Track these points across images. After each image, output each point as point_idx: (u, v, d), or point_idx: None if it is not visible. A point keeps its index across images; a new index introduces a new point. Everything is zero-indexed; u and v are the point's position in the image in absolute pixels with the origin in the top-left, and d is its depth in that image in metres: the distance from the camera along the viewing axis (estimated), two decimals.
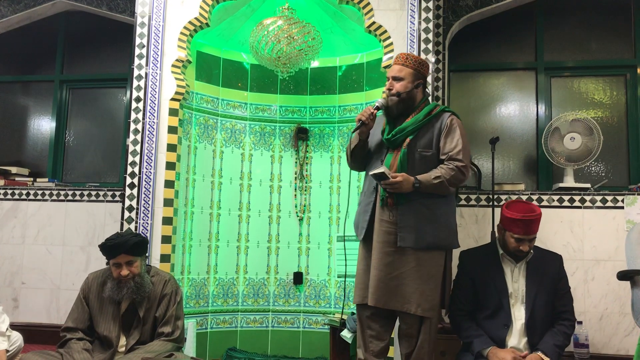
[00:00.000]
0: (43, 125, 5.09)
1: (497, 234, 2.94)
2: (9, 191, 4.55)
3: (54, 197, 4.49)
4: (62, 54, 5.08)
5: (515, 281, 2.83)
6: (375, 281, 2.68)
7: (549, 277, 2.83)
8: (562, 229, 3.87)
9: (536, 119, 4.42)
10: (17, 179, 4.72)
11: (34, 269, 4.45)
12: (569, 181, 3.98)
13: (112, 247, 2.82)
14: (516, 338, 2.76)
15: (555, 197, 3.91)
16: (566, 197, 3.90)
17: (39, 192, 4.52)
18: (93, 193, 4.45)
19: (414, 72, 2.81)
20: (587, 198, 3.88)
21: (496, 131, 4.42)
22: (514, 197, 3.92)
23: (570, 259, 3.83)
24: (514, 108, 4.51)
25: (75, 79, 5.06)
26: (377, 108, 2.80)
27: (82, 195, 4.46)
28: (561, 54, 4.48)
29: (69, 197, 4.48)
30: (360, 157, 2.90)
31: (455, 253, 2.94)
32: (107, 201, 4.41)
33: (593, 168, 4.26)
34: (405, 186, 2.62)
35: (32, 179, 4.72)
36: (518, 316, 2.78)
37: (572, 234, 3.86)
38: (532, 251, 2.83)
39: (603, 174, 4.26)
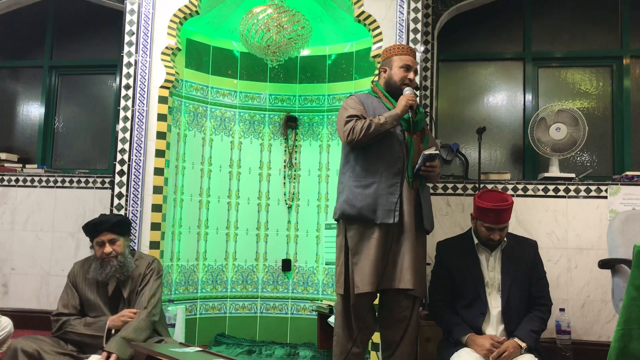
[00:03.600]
0: (32, 111, 5.07)
1: (471, 223, 3.00)
2: None
3: (44, 184, 4.50)
4: (52, 40, 5.06)
5: (491, 270, 2.88)
6: (411, 264, 2.69)
7: (524, 264, 2.87)
8: (546, 218, 3.94)
9: (523, 108, 4.47)
10: (6, 165, 4.72)
11: (24, 254, 4.47)
12: (554, 171, 4.04)
13: (95, 225, 2.90)
14: (493, 326, 2.81)
15: (540, 187, 3.97)
16: (551, 187, 3.96)
17: (28, 178, 4.53)
18: (82, 180, 4.46)
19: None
20: (572, 188, 3.94)
21: (484, 121, 4.47)
22: (500, 187, 3.98)
23: (555, 247, 3.90)
24: (502, 98, 4.56)
25: (65, 65, 5.05)
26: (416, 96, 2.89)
27: (71, 182, 4.48)
28: (549, 45, 4.52)
29: (59, 184, 4.49)
30: (377, 138, 2.78)
31: (432, 242, 3.02)
32: (97, 188, 4.43)
33: (579, 158, 4.33)
34: (438, 171, 2.84)
35: (21, 165, 4.72)
36: (494, 304, 2.83)
37: (556, 223, 3.93)
38: (505, 239, 2.87)
39: (588, 164, 4.32)
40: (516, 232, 2.95)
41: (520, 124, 4.45)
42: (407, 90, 2.80)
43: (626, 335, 2.36)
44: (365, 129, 2.68)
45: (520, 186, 4.00)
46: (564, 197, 3.94)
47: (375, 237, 2.72)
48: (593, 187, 3.91)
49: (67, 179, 4.49)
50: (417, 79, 3.41)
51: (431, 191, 4.01)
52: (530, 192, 3.98)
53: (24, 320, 4.22)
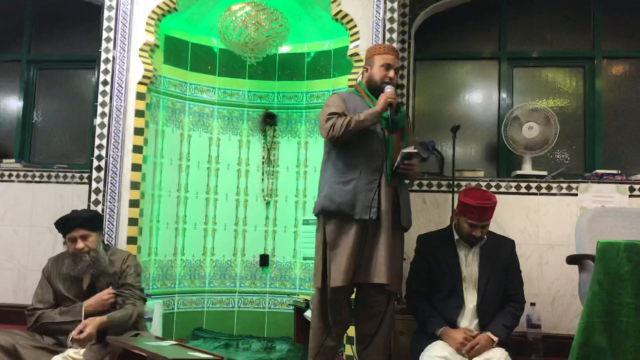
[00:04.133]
0: (10, 105, 5.05)
1: (453, 219, 3.07)
2: None
3: (21, 179, 4.50)
4: (30, 33, 5.03)
5: (469, 265, 2.95)
6: (386, 259, 2.74)
7: (501, 261, 2.96)
8: (519, 215, 4.03)
9: (498, 107, 4.55)
10: None
11: (1, 249, 4.46)
12: (526, 169, 4.13)
13: (66, 221, 2.92)
14: (468, 319, 2.89)
15: (513, 184, 4.06)
16: (523, 184, 4.05)
17: (6, 173, 4.52)
18: (61, 175, 4.47)
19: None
20: (543, 185, 4.04)
21: (460, 118, 4.55)
22: (473, 184, 4.06)
23: (526, 243, 3.99)
24: (477, 96, 4.64)
25: (43, 59, 5.03)
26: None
27: (49, 176, 4.48)
28: (524, 45, 4.60)
29: (37, 179, 4.49)
30: (358, 136, 2.84)
31: (408, 236, 3.08)
32: (75, 183, 4.43)
33: (551, 156, 4.42)
34: (416, 170, 2.92)
35: None
36: (470, 299, 2.91)
37: (528, 220, 4.02)
38: (485, 237, 2.95)
39: (564, 162, 4.41)
40: (490, 229, 3.03)
41: (496, 122, 4.53)
42: (388, 88, 2.85)
43: (589, 329, 2.44)
44: (345, 126, 2.74)
45: (493, 183, 4.09)
46: (535, 194, 4.04)
47: (353, 232, 2.77)
48: (564, 185, 4.01)
49: (45, 174, 4.48)
50: None
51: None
52: (503, 190, 4.07)
53: (1, 315, 4.22)
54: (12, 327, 2.92)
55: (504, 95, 4.53)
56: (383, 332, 2.89)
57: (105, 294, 2.88)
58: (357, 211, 2.77)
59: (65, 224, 2.92)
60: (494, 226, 3.93)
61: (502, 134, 4.21)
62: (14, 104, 5.03)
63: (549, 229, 3.99)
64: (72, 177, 4.45)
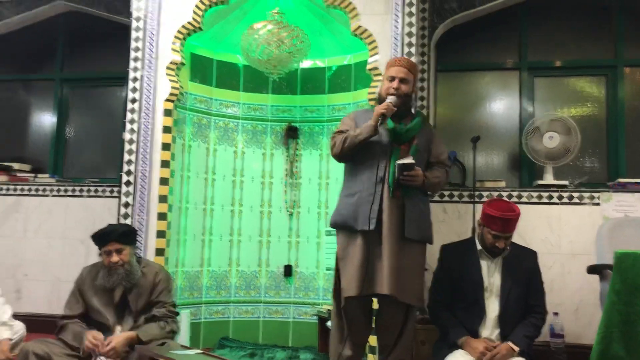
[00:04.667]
0: (44, 122, 5.26)
1: (477, 230, 3.11)
2: (11, 187, 4.73)
3: (55, 193, 4.67)
4: (62, 54, 5.24)
5: (491, 276, 2.99)
6: (390, 270, 2.75)
7: (524, 272, 2.99)
8: (540, 225, 4.04)
9: (519, 117, 4.57)
10: (19, 174, 4.90)
11: (36, 261, 4.63)
12: (548, 178, 4.14)
13: (102, 235, 3.02)
14: (489, 329, 2.92)
15: (535, 194, 4.08)
16: (545, 194, 4.07)
17: (40, 187, 4.70)
18: (92, 189, 4.63)
19: (415, 77, 3.05)
20: (565, 195, 4.04)
21: (481, 129, 4.57)
22: (495, 194, 4.09)
23: (548, 253, 4.00)
24: (499, 107, 4.67)
25: (75, 78, 5.23)
26: (395, 105, 2.90)
27: (81, 190, 4.65)
28: (545, 54, 4.62)
29: (69, 193, 4.66)
30: (357, 150, 2.91)
31: (429, 247, 3.11)
32: (106, 197, 4.59)
33: (573, 165, 4.41)
34: (419, 180, 2.86)
35: (33, 175, 4.89)
36: (492, 309, 2.94)
37: (550, 230, 4.03)
38: (508, 247, 2.99)
39: (585, 171, 4.40)
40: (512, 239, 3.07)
41: (517, 132, 4.54)
42: (388, 99, 2.90)
43: (607, 338, 2.47)
44: (342, 143, 2.89)
45: (515, 193, 4.11)
46: (557, 204, 4.05)
47: (358, 243, 2.84)
48: (586, 195, 4.01)
49: (77, 188, 4.66)
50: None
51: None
52: (524, 199, 4.08)
53: (36, 324, 4.35)
54: (48, 336, 3.04)
55: (525, 105, 4.55)
56: (403, 343, 2.92)
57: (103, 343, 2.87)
58: (360, 223, 2.84)
59: (101, 238, 3.02)
60: (515, 237, 3.95)
61: (523, 144, 4.23)
62: (48, 121, 5.23)
63: (571, 239, 3.99)
64: (103, 191, 4.61)
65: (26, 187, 4.72)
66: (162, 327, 2.96)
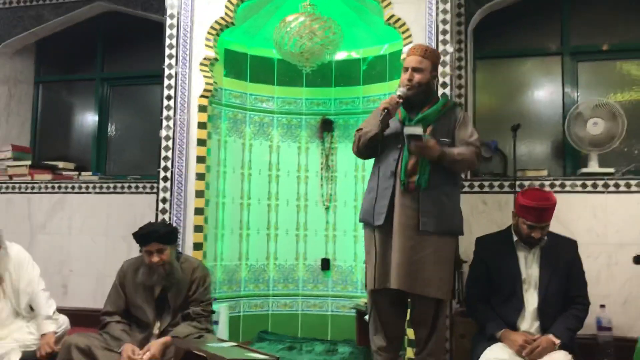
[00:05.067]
0: (87, 121, 5.39)
1: (512, 220, 3.02)
2: (56, 185, 4.86)
3: (97, 190, 4.78)
4: (102, 53, 5.36)
5: (529, 267, 2.90)
6: (399, 265, 2.73)
7: (563, 262, 2.89)
8: (585, 214, 3.90)
9: (562, 104, 4.42)
10: (63, 173, 5.03)
11: (81, 257, 4.75)
12: (592, 166, 4.00)
13: (143, 236, 3.05)
14: (528, 322, 2.84)
15: (579, 182, 3.94)
16: (589, 182, 3.92)
17: (83, 185, 4.81)
18: (133, 185, 4.72)
19: (432, 63, 2.92)
20: (611, 183, 3.89)
21: (523, 117, 4.44)
22: (536, 183, 3.97)
23: (594, 243, 3.86)
24: (541, 93, 4.53)
25: (115, 77, 5.34)
26: (400, 97, 2.84)
27: (122, 187, 4.74)
28: (588, 38, 4.45)
29: (111, 190, 4.76)
30: (372, 146, 2.91)
31: (469, 239, 3.04)
32: (146, 193, 4.66)
33: (621, 152, 4.24)
34: (434, 152, 2.73)
35: (77, 173, 5.02)
36: (531, 301, 2.86)
37: (595, 219, 3.89)
38: (546, 237, 2.89)
39: (632, 158, 4.23)
40: (554, 229, 2.95)
41: (560, 120, 4.40)
42: (397, 91, 2.86)
43: None
44: (357, 141, 2.94)
45: (557, 182, 3.98)
46: (602, 192, 3.90)
47: (376, 238, 2.85)
48: (633, 182, 3.85)
49: (119, 185, 4.75)
50: (447, 79, 3.50)
51: (466, 189, 4.05)
52: (568, 188, 3.95)
53: (82, 318, 4.48)
54: (91, 330, 3.12)
55: (568, 91, 4.41)
56: (436, 337, 2.86)
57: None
58: (375, 218, 2.84)
59: (142, 238, 3.05)
60: (559, 227, 3.83)
61: (566, 131, 4.09)
62: (90, 120, 5.36)
63: (618, 228, 3.84)
64: (144, 187, 4.69)
65: (70, 185, 4.84)
66: (195, 327, 2.99)
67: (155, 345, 2.90)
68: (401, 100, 2.85)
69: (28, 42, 5.29)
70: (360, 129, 2.95)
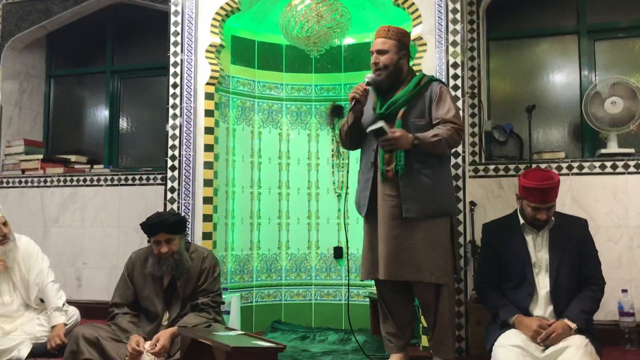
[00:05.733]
0: (98, 114, 5.38)
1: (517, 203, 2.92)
2: (68, 178, 4.85)
3: (109, 182, 4.76)
4: (112, 46, 5.34)
5: (538, 250, 2.81)
6: (386, 255, 2.70)
7: (573, 243, 2.78)
8: (604, 197, 3.78)
9: (580, 85, 4.29)
10: (76, 166, 5.03)
11: (94, 250, 4.75)
12: (612, 147, 3.87)
13: (151, 226, 3.00)
14: (541, 307, 2.75)
15: (597, 164, 3.81)
16: (608, 163, 3.79)
17: (95, 177, 4.80)
18: (144, 177, 4.69)
19: (397, 43, 2.84)
20: (631, 163, 3.76)
21: (538, 99, 4.31)
22: (553, 166, 3.85)
23: (615, 226, 3.74)
24: (557, 74, 4.40)
25: (125, 69, 5.32)
26: (368, 84, 2.80)
27: (134, 179, 4.71)
28: (605, 16, 4.31)
29: (122, 182, 4.74)
30: (355, 137, 2.91)
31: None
32: (157, 184, 4.63)
33: None
34: (404, 142, 2.65)
35: (89, 166, 5.01)
36: (542, 285, 2.76)
37: (615, 201, 3.76)
38: (553, 219, 2.79)
39: None
40: (573, 212, 2.87)
41: (578, 101, 4.27)
42: (366, 78, 2.84)
43: None
44: (340, 135, 3.00)
45: (575, 164, 3.85)
46: (622, 173, 3.77)
47: (366, 229, 2.89)
48: None
49: (130, 177, 4.72)
50: (455, 60, 3.42)
51: (481, 173, 3.95)
52: (586, 170, 3.83)
53: (95, 311, 4.48)
54: (104, 322, 3.11)
55: (585, 71, 4.27)
56: (440, 323, 2.81)
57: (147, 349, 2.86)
58: (360, 210, 2.90)
59: (151, 229, 3.01)
60: (577, 209, 3.74)
61: (583, 112, 3.96)
62: (101, 113, 5.35)
63: None
64: (154, 178, 4.66)
65: (82, 178, 4.83)
66: (203, 317, 2.94)
67: (164, 335, 2.86)
68: (369, 87, 2.80)
69: (38, 36, 5.29)
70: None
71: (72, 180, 4.86)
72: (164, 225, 2.98)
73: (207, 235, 3.69)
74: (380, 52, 2.82)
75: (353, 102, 2.77)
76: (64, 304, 3.37)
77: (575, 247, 2.77)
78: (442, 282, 2.75)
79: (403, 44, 2.88)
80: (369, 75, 2.84)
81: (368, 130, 2.68)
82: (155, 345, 2.79)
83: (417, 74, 2.97)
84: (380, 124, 2.64)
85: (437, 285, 2.75)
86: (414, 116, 2.79)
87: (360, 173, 2.92)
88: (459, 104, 3.44)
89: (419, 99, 2.82)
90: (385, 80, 2.82)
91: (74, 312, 3.44)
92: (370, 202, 2.80)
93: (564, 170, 3.83)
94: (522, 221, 2.83)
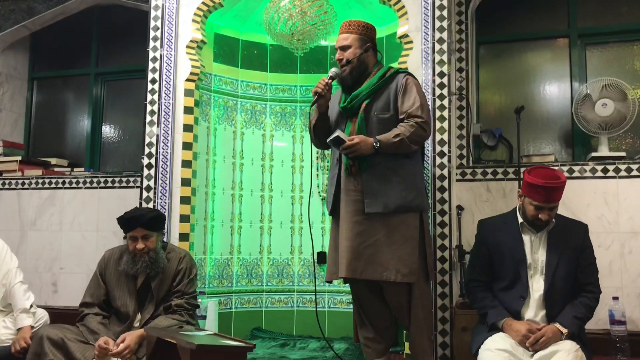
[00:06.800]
0: (81, 117, 5.26)
1: (517, 201, 2.81)
2: (47, 180, 4.72)
3: (88, 185, 4.63)
4: (97, 48, 5.24)
5: (535, 252, 2.70)
6: (348, 252, 2.58)
7: (572, 247, 2.68)
8: (595, 201, 3.67)
9: (571, 89, 4.20)
10: (56, 169, 4.90)
11: (71, 254, 4.59)
12: (603, 150, 3.77)
13: (129, 220, 2.90)
14: (533, 310, 2.64)
15: (588, 168, 3.71)
16: (599, 167, 3.69)
17: (74, 180, 4.67)
18: (124, 179, 4.56)
19: (359, 37, 2.80)
20: (622, 167, 3.65)
21: (529, 103, 4.22)
22: None
23: (605, 231, 3.62)
24: (548, 79, 4.31)
25: (109, 72, 5.21)
26: (331, 77, 2.75)
27: (113, 182, 4.58)
28: (595, 20, 4.24)
29: (102, 184, 4.60)
30: (323, 133, 2.80)
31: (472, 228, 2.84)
32: (137, 187, 4.49)
33: (635, 134, 4.00)
34: (364, 148, 2.58)
35: (70, 169, 4.88)
36: (536, 288, 2.65)
37: (606, 206, 3.65)
38: (554, 220, 2.68)
39: None
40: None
41: (568, 105, 4.18)
42: (330, 72, 2.80)
43: None
44: (309, 129, 2.91)
45: (565, 168, 3.75)
46: (614, 177, 3.66)
47: (333, 227, 2.79)
48: None
49: (110, 179, 4.59)
50: (441, 59, 3.34)
51: (468, 176, 3.85)
52: (576, 174, 3.72)
53: (71, 317, 4.27)
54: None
55: (576, 76, 4.18)
56: (415, 324, 2.70)
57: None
58: (327, 206, 2.81)
59: (128, 223, 2.91)
60: (567, 214, 3.58)
61: (574, 114, 3.87)
62: (85, 116, 5.23)
63: (631, 215, 3.60)
64: (135, 181, 4.52)
65: (60, 180, 4.70)
66: (175, 319, 2.82)
67: (130, 336, 2.74)
68: (331, 81, 2.74)
69: (21, 37, 5.18)
70: None
71: (50, 183, 4.72)
72: (142, 220, 2.88)
73: (183, 237, 3.56)
74: (343, 47, 2.79)
75: (316, 97, 2.70)
76: (31, 306, 3.22)
77: (573, 251, 2.67)
78: (410, 281, 2.64)
79: (367, 37, 2.84)
80: (333, 69, 2.80)
81: (327, 140, 2.63)
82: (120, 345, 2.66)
83: (384, 65, 2.91)
84: (337, 133, 2.59)
85: (408, 285, 2.63)
86: (378, 109, 2.71)
87: (329, 171, 2.88)
88: (445, 103, 3.35)
89: (384, 91, 2.75)
90: (349, 75, 2.77)
91: (42, 315, 3.30)
92: (335, 199, 2.71)
93: (551, 167, 3.71)
94: (520, 220, 2.73)
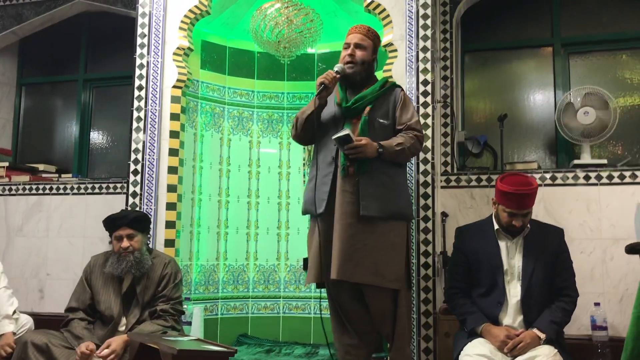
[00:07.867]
0: (69, 124, 5.26)
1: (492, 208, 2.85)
2: (34, 186, 4.71)
3: (75, 191, 4.63)
4: (86, 54, 5.24)
5: (511, 257, 2.73)
6: (340, 253, 2.56)
7: (548, 252, 2.71)
8: (577, 208, 3.71)
9: (554, 97, 4.26)
10: (44, 175, 4.89)
11: (58, 260, 4.58)
12: (585, 158, 3.82)
13: (114, 219, 2.97)
14: (511, 316, 2.66)
15: (570, 175, 3.75)
16: (581, 175, 3.74)
17: (61, 186, 4.66)
18: (111, 185, 4.56)
19: (373, 44, 2.84)
20: (604, 175, 3.70)
21: (513, 111, 4.28)
22: None
23: (588, 238, 3.67)
24: (532, 87, 4.37)
25: (98, 78, 5.21)
26: (338, 72, 2.75)
27: (100, 187, 4.58)
28: (579, 29, 4.30)
29: (89, 191, 4.61)
30: (312, 128, 2.77)
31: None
32: (124, 193, 4.49)
33: (615, 142, 4.05)
34: (369, 151, 2.59)
35: (58, 176, 4.87)
36: (513, 293, 2.67)
37: (588, 213, 3.69)
38: (529, 226, 2.72)
39: (629, 149, 4.05)
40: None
41: (552, 113, 4.23)
42: (335, 67, 2.77)
43: None
44: (295, 123, 2.82)
45: (548, 175, 3.79)
46: (595, 184, 3.71)
47: (318, 229, 2.70)
48: (627, 173, 3.66)
49: (97, 185, 4.60)
50: (426, 66, 3.35)
51: (453, 183, 3.88)
52: (559, 181, 3.76)
53: (58, 323, 4.30)
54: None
55: (559, 84, 4.24)
56: (398, 331, 2.69)
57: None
58: (317, 205, 2.68)
59: (113, 222, 2.97)
60: (550, 220, 3.64)
61: (556, 122, 3.92)
62: (73, 122, 5.23)
63: (613, 222, 3.64)
64: (122, 187, 4.53)
65: (48, 186, 4.69)
66: (160, 324, 2.84)
67: (116, 340, 2.75)
68: (338, 76, 2.75)
69: (9, 42, 5.18)
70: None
71: (37, 189, 4.72)
72: (127, 219, 2.95)
73: (169, 243, 3.57)
74: (359, 46, 2.80)
75: (321, 87, 2.68)
76: (14, 312, 3.21)
77: (550, 256, 2.69)
78: (397, 288, 2.66)
79: (376, 48, 2.89)
80: (339, 65, 2.79)
81: (333, 137, 2.60)
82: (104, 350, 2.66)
83: (380, 79, 2.95)
84: (347, 130, 2.57)
85: (393, 291, 2.64)
86: (379, 116, 2.75)
87: (317, 169, 2.77)
88: (429, 111, 3.39)
89: (384, 100, 2.80)
90: (353, 75, 2.79)
91: (26, 321, 3.27)
92: (329, 198, 2.67)
93: (537, 181, 3.75)
94: (496, 226, 2.75)
